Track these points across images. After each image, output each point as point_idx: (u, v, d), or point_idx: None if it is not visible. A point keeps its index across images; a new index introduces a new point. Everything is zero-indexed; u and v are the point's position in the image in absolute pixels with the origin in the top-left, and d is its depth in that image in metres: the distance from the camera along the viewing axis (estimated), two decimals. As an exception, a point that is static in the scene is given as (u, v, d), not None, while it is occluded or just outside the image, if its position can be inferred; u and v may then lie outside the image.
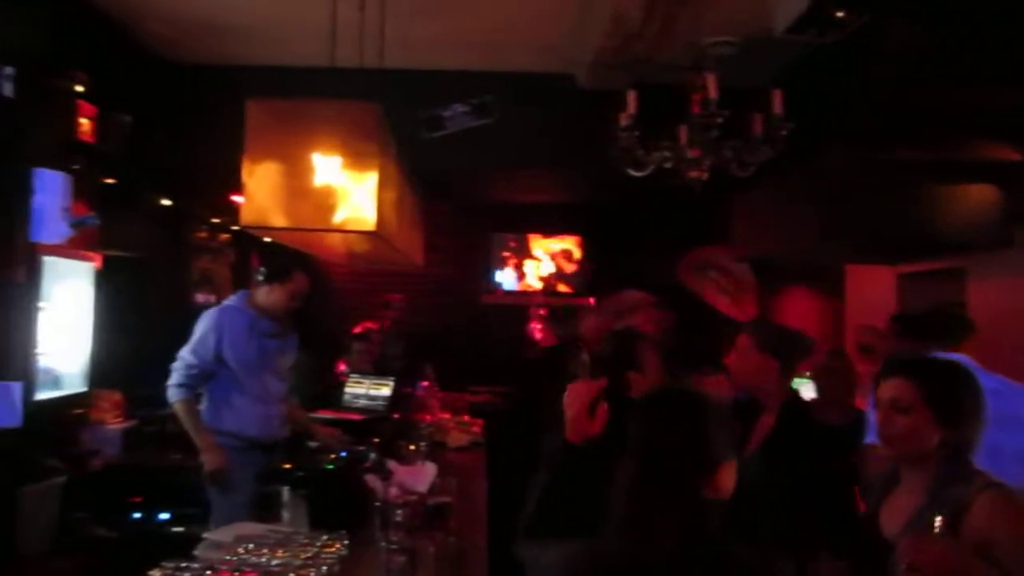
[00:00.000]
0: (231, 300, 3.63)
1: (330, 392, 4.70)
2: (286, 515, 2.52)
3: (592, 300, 7.02)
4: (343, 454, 3.17)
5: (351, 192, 2.75)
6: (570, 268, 7.89)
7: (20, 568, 3.36)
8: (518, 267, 7.93)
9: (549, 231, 7.94)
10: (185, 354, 3.39)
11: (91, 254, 4.18)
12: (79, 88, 4.09)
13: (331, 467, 2.89)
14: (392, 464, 2.80)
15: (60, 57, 3.90)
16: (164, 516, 4.08)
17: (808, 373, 3.73)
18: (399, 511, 2.20)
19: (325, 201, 2.74)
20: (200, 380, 3.41)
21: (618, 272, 6.52)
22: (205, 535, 2.32)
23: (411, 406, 4.49)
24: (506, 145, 5.25)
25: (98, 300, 4.21)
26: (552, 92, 5.30)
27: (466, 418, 4.94)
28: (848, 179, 4.47)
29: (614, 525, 1.48)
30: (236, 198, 3.21)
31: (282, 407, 3.55)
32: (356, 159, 2.76)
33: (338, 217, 2.77)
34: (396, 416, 4.37)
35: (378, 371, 4.93)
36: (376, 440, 3.44)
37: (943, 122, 3.87)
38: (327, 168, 2.74)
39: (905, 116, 3.83)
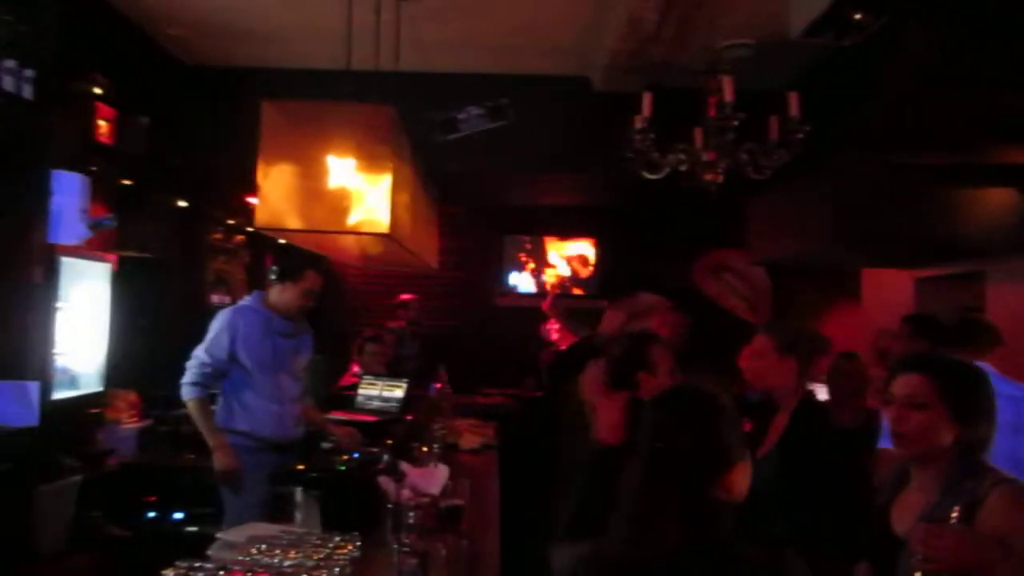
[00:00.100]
0: (246, 300, 3.65)
1: (343, 393, 4.71)
2: (299, 516, 2.52)
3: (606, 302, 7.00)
4: (356, 455, 3.18)
5: (365, 194, 2.75)
6: (585, 272, 7.88)
7: (36, 566, 3.38)
8: (534, 272, 7.93)
9: (563, 234, 7.93)
10: (199, 353, 3.41)
11: (108, 255, 4.21)
12: (98, 90, 4.13)
13: (344, 468, 2.89)
14: (405, 466, 2.79)
15: (79, 60, 3.94)
16: (178, 516, 4.10)
17: (822, 375, 3.71)
18: (412, 513, 2.19)
19: (339, 203, 2.75)
20: (214, 379, 3.43)
21: (633, 275, 6.51)
22: (218, 535, 2.33)
23: (426, 409, 4.49)
24: (521, 148, 5.25)
25: (114, 300, 4.24)
26: (567, 95, 5.30)
27: (474, 421, 4.93)
28: (865, 183, 4.44)
29: (619, 524, 1.46)
30: (251, 200, 3.23)
31: (296, 407, 3.56)
32: (370, 161, 2.76)
33: (352, 219, 2.77)
34: (409, 418, 4.37)
35: (391, 373, 4.93)
36: (389, 442, 3.45)
37: (962, 125, 3.83)
38: (341, 170, 2.74)
39: (923, 119, 3.80)
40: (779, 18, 3.96)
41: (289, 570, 1.89)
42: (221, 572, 1.84)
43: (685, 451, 1.47)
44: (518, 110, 5.08)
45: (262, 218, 2.85)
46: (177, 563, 1.88)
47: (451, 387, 5.05)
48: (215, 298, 5.96)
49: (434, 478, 2.83)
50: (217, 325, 3.44)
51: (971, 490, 1.62)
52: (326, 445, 3.63)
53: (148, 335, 4.90)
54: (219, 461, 3.33)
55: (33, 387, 3.41)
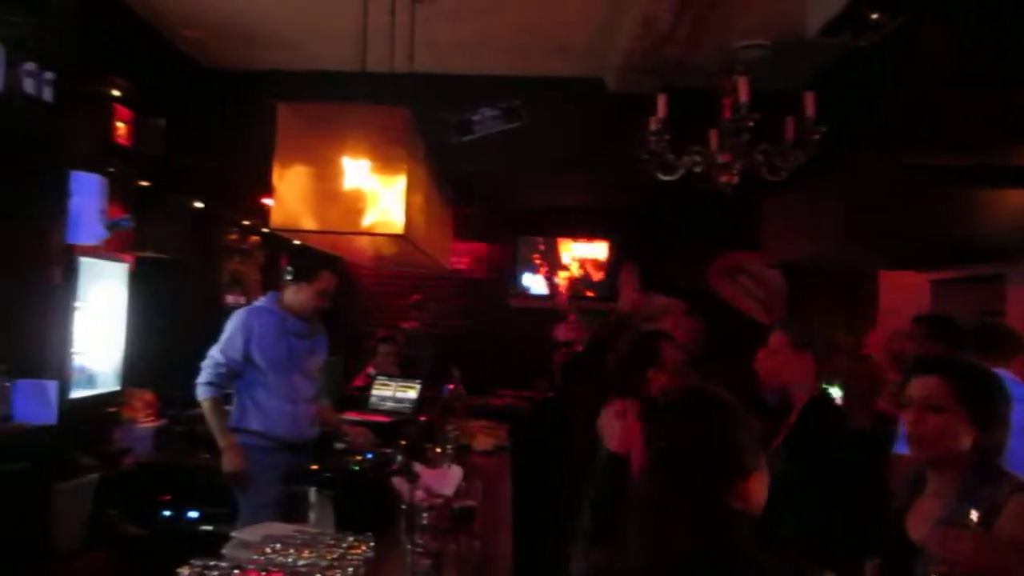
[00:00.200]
0: (261, 301, 3.67)
1: (356, 394, 4.73)
2: (313, 516, 2.53)
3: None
4: (369, 456, 3.19)
5: (380, 195, 2.76)
6: (597, 276, 7.87)
7: (53, 564, 3.41)
8: (547, 274, 7.92)
9: (577, 235, 7.92)
10: (214, 353, 3.44)
11: (125, 255, 4.25)
12: (116, 92, 4.17)
13: (357, 469, 2.90)
14: (418, 467, 2.80)
15: (98, 62, 3.98)
16: (193, 515, 4.13)
17: (836, 378, 3.69)
18: (425, 514, 2.20)
19: (354, 204, 2.76)
20: (228, 379, 3.45)
21: (647, 276, 6.48)
22: (233, 534, 2.34)
23: (440, 410, 4.50)
24: (535, 149, 5.25)
25: (131, 300, 4.28)
26: (581, 96, 5.29)
27: (487, 422, 4.94)
28: (881, 183, 4.41)
29: (633, 534, 1.44)
30: (266, 201, 3.25)
31: (310, 407, 3.57)
32: (385, 163, 2.77)
33: (367, 220, 2.78)
34: (423, 419, 4.38)
35: (404, 373, 4.95)
36: (403, 442, 3.45)
37: (979, 126, 3.79)
38: (356, 171, 2.76)
39: (940, 120, 3.77)
40: (795, 18, 3.93)
41: (303, 570, 1.90)
42: (235, 571, 1.85)
43: (696, 457, 1.44)
44: (532, 111, 5.07)
45: (277, 219, 2.86)
46: (192, 561, 1.89)
47: (464, 388, 5.07)
48: (230, 298, 6.00)
49: (447, 479, 2.84)
50: (232, 325, 3.46)
51: (989, 496, 1.60)
52: (339, 445, 3.64)
53: (164, 335, 4.94)
54: (228, 462, 3.35)
55: (52, 386, 3.45)
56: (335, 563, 1.94)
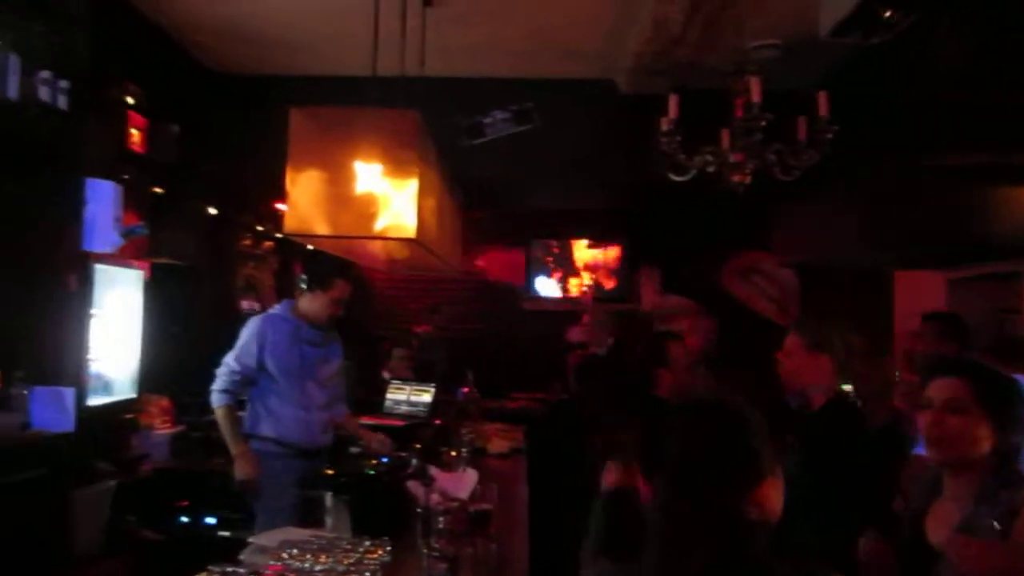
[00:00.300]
0: (276, 308, 3.68)
1: (372, 398, 4.73)
2: (329, 520, 2.53)
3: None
4: (384, 460, 3.19)
5: (392, 199, 2.76)
6: (609, 284, 7.85)
7: (72, 570, 3.43)
8: (560, 278, 7.91)
9: (590, 237, 7.91)
10: (229, 360, 3.45)
11: (140, 262, 4.27)
12: (130, 100, 4.20)
13: (373, 473, 2.90)
14: (434, 470, 2.80)
15: (112, 70, 4.01)
16: (210, 520, 4.14)
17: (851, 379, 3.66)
18: (441, 517, 2.20)
19: (366, 208, 2.76)
20: (243, 386, 3.46)
21: (660, 277, 6.48)
22: (250, 540, 2.35)
23: (453, 413, 4.50)
24: (546, 151, 5.25)
25: (147, 307, 4.30)
26: (592, 98, 5.29)
27: (502, 425, 4.93)
28: (896, 183, 4.37)
29: (648, 545, 1.42)
30: (280, 206, 3.26)
31: (323, 414, 3.58)
32: (397, 166, 2.77)
33: (379, 224, 2.78)
34: (437, 422, 4.38)
35: (419, 377, 4.95)
36: (418, 446, 3.45)
37: (993, 124, 3.76)
38: (368, 176, 2.76)
39: (953, 118, 3.73)
40: (807, 17, 3.91)
41: (320, 574, 1.90)
42: (253, 576, 1.85)
43: (709, 464, 1.43)
44: (543, 114, 5.08)
45: (291, 224, 2.87)
46: (210, 567, 1.90)
47: (479, 391, 5.07)
48: (245, 304, 6.02)
49: (463, 482, 2.83)
50: (246, 333, 3.48)
51: (1007, 500, 1.59)
52: (355, 450, 3.65)
53: (179, 341, 4.96)
54: (240, 470, 3.37)
55: (69, 393, 3.47)
56: (352, 567, 1.94)
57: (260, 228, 6.30)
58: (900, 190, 4.37)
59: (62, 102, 3.28)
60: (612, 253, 7.90)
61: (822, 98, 3.79)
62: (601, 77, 5.21)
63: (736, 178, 3.99)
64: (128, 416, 4.20)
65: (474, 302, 7.76)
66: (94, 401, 3.77)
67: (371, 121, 2.86)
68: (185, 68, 5.03)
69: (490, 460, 4.00)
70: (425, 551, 2.14)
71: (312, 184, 2.80)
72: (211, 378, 3.46)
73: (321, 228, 2.84)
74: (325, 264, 3.64)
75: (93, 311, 3.75)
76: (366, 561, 1.98)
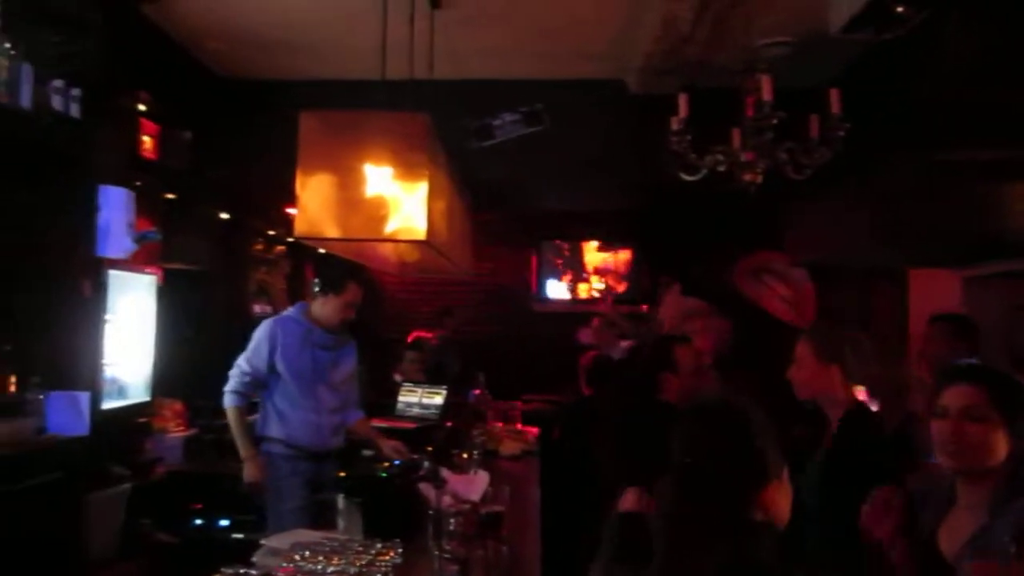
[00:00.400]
0: (289, 311, 3.70)
1: (384, 401, 4.74)
2: (341, 523, 2.54)
3: (646, 307, 6.95)
4: (397, 463, 3.20)
5: (402, 202, 2.76)
6: (620, 288, 7.83)
7: (87, 573, 3.45)
8: (571, 281, 7.90)
9: (601, 238, 7.90)
10: (241, 362, 3.48)
11: (153, 267, 4.30)
12: (142, 107, 4.24)
13: (385, 475, 2.90)
14: (446, 472, 2.80)
15: (124, 78, 4.04)
16: (223, 523, 4.16)
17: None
18: (452, 520, 2.20)
19: (376, 211, 2.77)
20: (254, 388, 3.49)
21: (672, 278, 6.43)
22: (263, 541, 2.36)
23: (465, 415, 4.50)
24: (556, 152, 5.24)
25: (160, 312, 4.33)
26: (602, 98, 5.28)
27: (519, 426, 4.93)
28: (909, 180, 4.33)
29: (657, 548, 1.41)
30: (291, 210, 3.28)
31: (334, 418, 3.59)
32: (406, 169, 2.78)
33: (389, 227, 2.78)
34: (449, 425, 4.38)
35: (431, 380, 4.96)
36: (429, 448, 3.46)
37: (1008, 119, 3.72)
38: (378, 179, 2.76)
39: (968, 114, 3.70)
40: (818, 14, 3.89)
41: (332, 576, 1.91)
42: (265, 578, 1.86)
43: (716, 468, 1.41)
44: (553, 115, 5.07)
45: (301, 228, 2.88)
46: (223, 569, 1.91)
47: (491, 393, 5.07)
48: (257, 308, 6.05)
49: (474, 485, 2.83)
50: (258, 335, 3.50)
51: (1021, 509, 1.56)
52: (367, 452, 3.66)
53: (192, 345, 4.99)
54: (247, 472, 3.41)
55: (84, 397, 3.50)
56: (364, 569, 1.95)
57: (272, 232, 6.34)
58: (913, 187, 4.33)
59: (74, 110, 3.31)
60: (623, 256, 7.88)
61: (834, 95, 3.76)
62: (611, 77, 5.20)
63: (747, 177, 3.97)
64: (142, 420, 4.23)
65: (485, 305, 7.76)
66: (108, 405, 3.80)
67: (380, 124, 2.86)
68: (196, 75, 5.06)
69: (502, 462, 4.00)
70: (437, 553, 2.14)
71: (322, 188, 2.81)
72: (224, 381, 3.50)
73: (331, 231, 2.85)
74: (337, 268, 3.66)
75: (107, 316, 3.78)
76: (378, 563, 1.99)
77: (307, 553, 2.02)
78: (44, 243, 3.41)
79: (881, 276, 6.09)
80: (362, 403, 3.87)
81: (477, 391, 4.90)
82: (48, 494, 3.17)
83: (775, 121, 3.79)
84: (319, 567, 1.96)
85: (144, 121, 4.26)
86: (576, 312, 7.30)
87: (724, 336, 4.35)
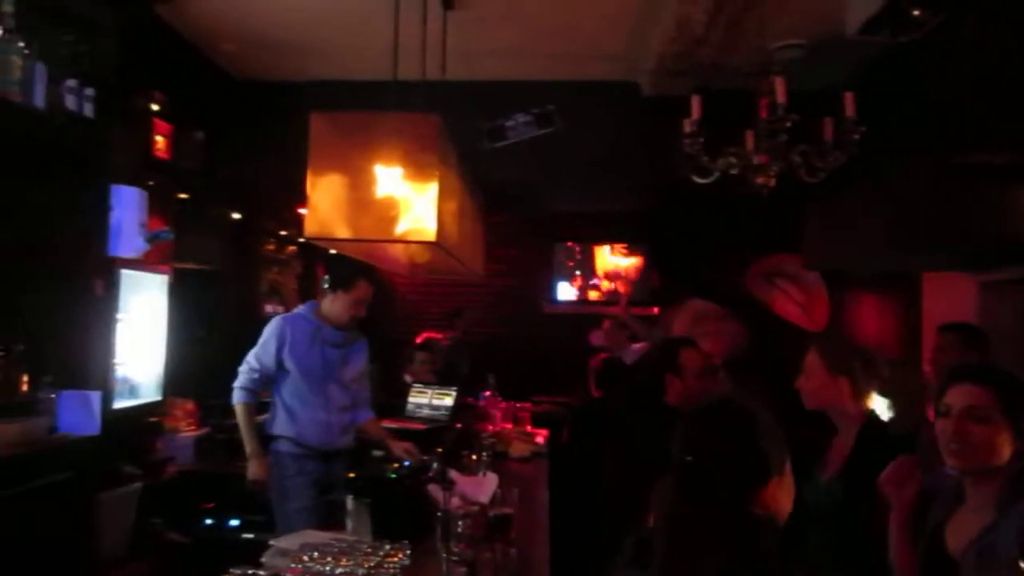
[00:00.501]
0: (299, 309, 3.71)
1: (394, 402, 4.74)
2: (350, 523, 2.54)
3: (656, 310, 6.93)
4: (406, 463, 3.19)
5: (412, 203, 2.76)
6: (632, 291, 7.80)
7: (98, 572, 3.46)
8: (581, 283, 7.88)
9: (612, 240, 7.87)
10: (250, 359, 3.51)
11: (165, 267, 4.32)
12: (155, 107, 4.26)
13: (394, 476, 2.90)
14: (454, 474, 2.79)
15: (137, 78, 4.06)
16: (234, 522, 4.17)
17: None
18: (461, 522, 2.19)
19: (387, 212, 2.76)
20: (262, 385, 3.50)
21: (684, 281, 6.40)
22: (272, 542, 2.36)
23: (473, 417, 4.50)
24: (569, 154, 5.23)
25: (172, 311, 4.35)
26: (615, 100, 5.26)
27: (529, 428, 4.92)
28: (925, 184, 4.29)
29: (658, 545, 1.41)
30: (302, 211, 3.29)
31: (343, 416, 3.59)
32: (417, 170, 2.77)
33: (399, 228, 2.78)
34: (458, 426, 4.37)
35: (441, 381, 4.95)
36: (439, 450, 3.45)
37: (1027, 123, 3.67)
38: (389, 179, 2.76)
39: (986, 117, 3.66)
40: (833, 17, 3.86)
41: (340, 577, 1.91)
42: (273, 579, 1.86)
43: (717, 467, 1.41)
44: (565, 116, 5.06)
45: (312, 228, 2.87)
46: (232, 570, 1.91)
47: (501, 395, 5.05)
48: (269, 308, 6.07)
49: (483, 486, 2.82)
50: (267, 332, 3.52)
51: None
52: (377, 453, 3.65)
53: (204, 345, 5.01)
54: (251, 470, 3.43)
55: (95, 396, 3.51)
56: (372, 571, 1.94)
57: (283, 233, 6.36)
58: (929, 191, 4.28)
59: (88, 110, 3.32)
60: (634, 260, 7.85)
61: (848, 98, 3.72)
62: (623, 79, 5.18)
63: (760, 180, 3.94)
64: (153, 419, 4.25)
65: (495, 306, 7.75)
66: (120, 404, 3.82)
67: (391, 125, 2.86)
68: (209, 75, 5.09)
69: (511, 464, 3.99)
70: (444, 555, 2.13)
71: (333, 188, 2.81)
72: (235, 380, 3.51)
73: (342, 232, 2.84)
74: (347, 265, 3.66)
75: (119, 316, 3.80)
76: (386, 565, 1.99)
77: (315, 554, 2.02)
78: (57, 242, 3.43)
79: (895, 280, 6.04)
80: (373, 403, 3.87)
81: (487, 392, 4.89)
82: (59, 493, 3.18)
83: (789, 124, 3.75)
84: (327, 568, 1.96)
85: (157, 121, 4.28)
86: (587, 314, 7.27)
87: (738, 341, 4.31)
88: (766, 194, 3.96)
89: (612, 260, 7.90)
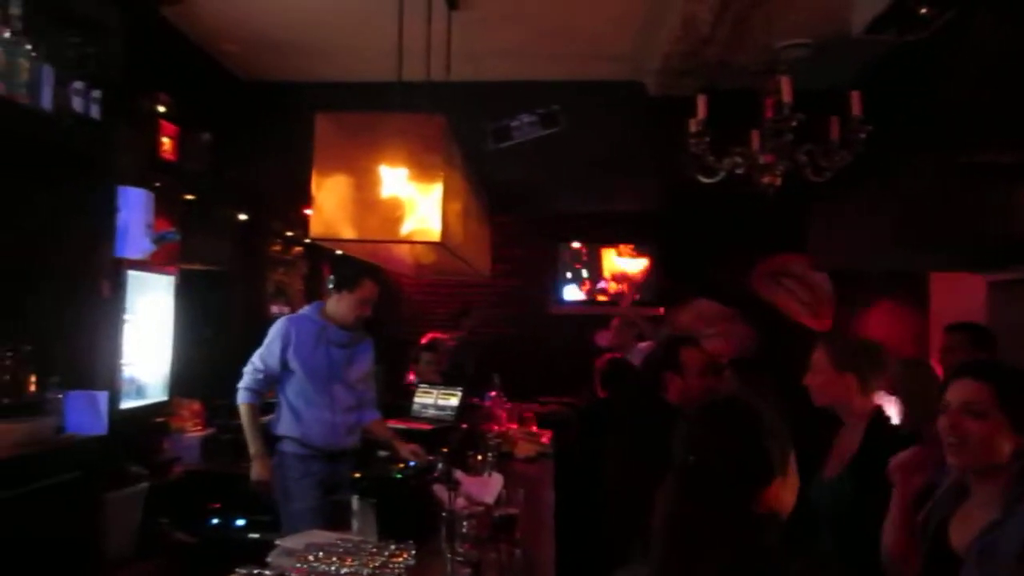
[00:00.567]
0: (304, 309, 3.72)
1: (400, 402, 4.74)
2: (355, 523, 2.54)
3: (662, 310, 6.91)
4: (411, 464, 3.19)
5: (417, 203, 2.76)
6: (637, 292, 7.79)
7: (105, 572, 3.47)
8: (590, 292, 7.87)
9: (618, 240, 7.86)
10: (255, 359, 3.52)
11: (171, 268, 4.33)
12: (161, 109, 4.27)
13: (399, 476, 2.90)
14: (459, 475, 2.79)
15: (144, 79, 4.07)
16: (240, 522, 4.18)
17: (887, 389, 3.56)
18: (465, 522, 2.19)
19: (391, 213, 2.76)
20: (267, 385, 3.51)
21: (690, 282, 6.38)
22: (277, 542, 2.36)
23: (479, 417, 4.50)
24: (574, 154, 5.22)
25: (178, 312, 4.36)
26: (620, 100, 5.25)
27: (534, 428, 4.91)
28: (932, 183, 4.27)
29: (659, 543, 1.40)
30: (308, 211, 3.30)
31: (349, 417, 3.59)
32: (422, 170, 2.77)
33: (404, 228, 2.78)
34: (464, 426, 4.37)
35: (448, 381, 4.95)
36: (444, 450, 3.44)
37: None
38: (393, 180, 2.76)
39: (993, 116, 3.64)
40: (839, 15, 3.85)
41: (345, 578, 1.91)
42: (278, 579, 1.86)
43: (721, 466, 1.41)
44: (570, 117, 5.05)
45: (317, 229, 2.88)
46: (237, 570, 1.91)
47: (507, 395, 5.05)
48: (275, 309, 6.08)
49: (488, 487, 2.82)
50: (272, 333, 3.53)
51: None
52: (383, 453, 3.66)
53: (210, 345, 5.02)
54: (254, 471, 3.44)
55: (102, 396, 3.52)
56: (377, 571, 1.94)
57: (290, 233, 6.37)
58: (936, 190, 4.26)
59: (95, 112, 3.33)
60: (642, 265, 7.85)
61: (855, 97, 3.71)
62: (629, 79, 5.17)
63: (766, 180, 3.92)
64: (160, 419, 4.26)
65: (501, 307, 7.75)
66: (127, 405, 3.83)
67: (395, 126, 2.86)
68: (215, 77, 5.10)
69: (517, 464, 3.99)
70: (449, 555, 2.13)
71: (338, 189, 2.81)
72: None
73: (347, 232, 2.85)
74: (353, 265, 3.66)
75: (126, 316, 3.81)
76: (391, 565, 1.99)
77: (321, 554, 2.02)
78: (64, 243, 3.44)
79: (903, 280, 6.01)
80: (378, 404, 3.87)
81: (493, 393, 4.89)
82: (66, 493, 3.19)
83: (795, 123, 3.74)
84: (332, 568, 1.96)
85: (163, 123, 4.30)
86: (592, 315, 7.27)
87: (746, 343, 4.32)
88: (772, 194, 3.95)
89: (619, 262, 7.89)
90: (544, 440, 4.60)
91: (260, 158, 5.15)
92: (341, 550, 2.06)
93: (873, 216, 4.75)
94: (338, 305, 3.55)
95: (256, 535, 3.99)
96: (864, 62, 4.38)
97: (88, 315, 3.54)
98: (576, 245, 7.88)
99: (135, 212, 3.81)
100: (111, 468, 3.59)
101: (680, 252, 7.38)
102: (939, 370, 3.74)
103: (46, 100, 3.02)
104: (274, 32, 4.58)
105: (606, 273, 7.89)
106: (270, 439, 3.53)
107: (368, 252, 3.58)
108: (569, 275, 7.87)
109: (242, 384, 3.50)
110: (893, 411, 3.43)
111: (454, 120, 3.02)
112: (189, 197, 4.58)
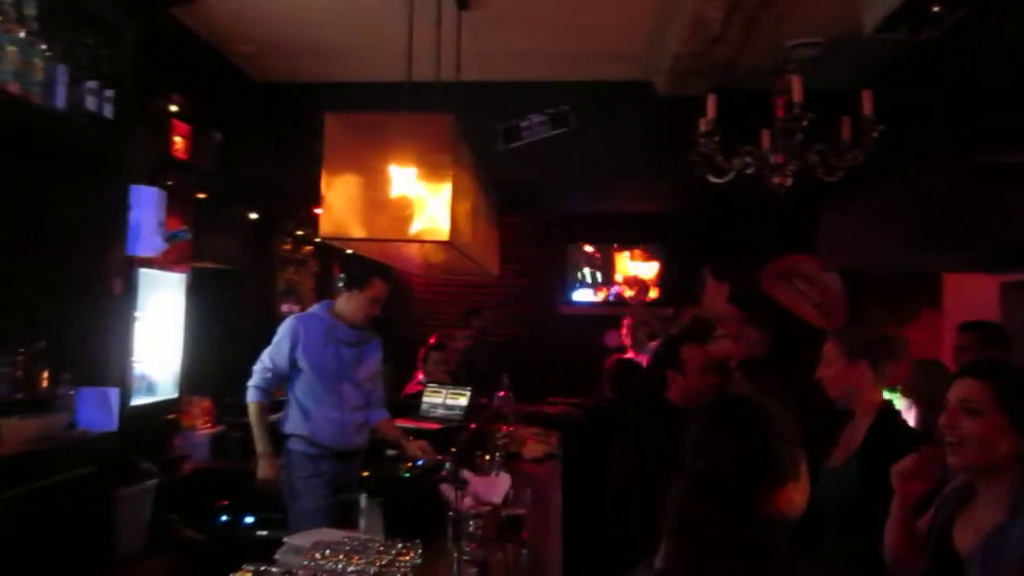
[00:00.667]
0: (314, 308, 3.73)
1: (408, 402, 4.75)
2: (363, 522, 2.55)
3: (671, 310, 6.89)
4: (419, 463, 3.20)
5: (426, 203, 2.76)
6: (648, 293, 7.78)
7: (115, 568, 3.50)
8: (598, 288, 7.86)
9: (629, 241, 7.85)
10: (264, 357, 3.54)
11: (183, 266, 4.36)
12: (174, 108, 4.30)
13: (407, 476, 2.91)
14: (467, 474, 2.79)
15: (156, 79, 4.10)
16: (249, 520, 4.20)
17: (900, 387, 3.55)
18: (472, 521, 2.19)
19: (401, 212, 2.76)
20: (275, 384, 3.53)
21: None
22: (285, 539, 2.37)
23: (487, 417, 4.49)
24: (583, 154, 5.22)
25: (189, 310, 4.38)
26: (630, 100, 5.24)
27: (538, 429, 4.90)
28: (944, 183, 4.24)
29: (670, 545, 1.40)
30: (318, 211, 3.31)
31: (357, 416, 3.60)
32: (431, 170, 2.77)
33: (413, 228, 2.78)
34: (472, 426, 4.37)
35: (455, 381, 4.96)
36: (452, 449, 3.45)
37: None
38: (403, 179, 2.76)
39: (1006, 116, 3.61)
40: (850, 14, 3.82)
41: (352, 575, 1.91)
42: (285, 576, 1.87)
43: (731, 466, 1.40)
44: (580, 117, 5.05)
45: (327, 228, 2.89)
46: (245, 567, 1.92)
47: (516, 395, 5.04)
48: (285, 307, 6.11)
49: (496, 487, 2.82)
50: (281, 331, 3.55)
51: None
52: (391, 452, 3.67)
53: (221, 343, 5.05)
54: (261, 469, 3.47)
55: (113, 393, 3.54)
56: (383, 569, 1.95)
57: (300, 232, 6.39)
58: (949, 190, 4.23)
59: (108, 111, 3.35)
60: (653, 268, 7.84)
61: (866, 96, 3.69)
62: (638, 79, 5.16)
63: (776, 180, 3.91)
64: (170, 416, 4.29)
65: (511, 307, 7.75)
66: (138, 402, 3.86)
67: (404, 126, 2.86)
68: (227, 77, 5.12)
69: (524, 465, 3.98)
70: (456, 555, 2.14)
71: (347, 188, 2.82)
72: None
73: (356, 232, 2.85)
74: (362, 264, 3.67)
75: (137, 314, 3.84)
76: (398, 563, 1.99)
77: (328, 552, 2.03)
78: (76, 242, 3.46)
79: (915, 281, 5.97)
80: (387, 403, 3.88)
81: (502, 392, 4.88)
82: (77, 489, 3.21)
83: (805, 123, 3.72)
84: (339, 566, 1.96)
85: (176, 122, 4.33)
86: (602, 315, 7.26)
87: (757, 348, 4.30)
88: (783, 194, 3.93)
89: (632, 266, 7.88)
90: (552, 440, 4.59)
91: (271, 157, 5.18)
92: (348, 548, 2.07)
93: (884, 216, 4.72)
94: (348, 304, 3.56)
95: (264, 532, 4.01)
96: (875, 61, 4.36)
97: (100, 312, 3.57)
98: (589, 249, 7.87)
99: (147, 211, 3.83)
100: (122, 464, 3.61)
101: (690, 252, 7.36)
102: (954, 370, 3.72)
103: (60, 99, 3.05)
104: (285, 33, 4.60)
105: (616, 272, 7.88)
106: (278, 437, 3.54)
107: (377, 251, 3.58)
108: (581, 276, 7.87)
109: (251, 383, 3.52)
110: (910, 416, 3.42)
111: (464, 120, 3.02)
112: (201, 196, 4.61)
